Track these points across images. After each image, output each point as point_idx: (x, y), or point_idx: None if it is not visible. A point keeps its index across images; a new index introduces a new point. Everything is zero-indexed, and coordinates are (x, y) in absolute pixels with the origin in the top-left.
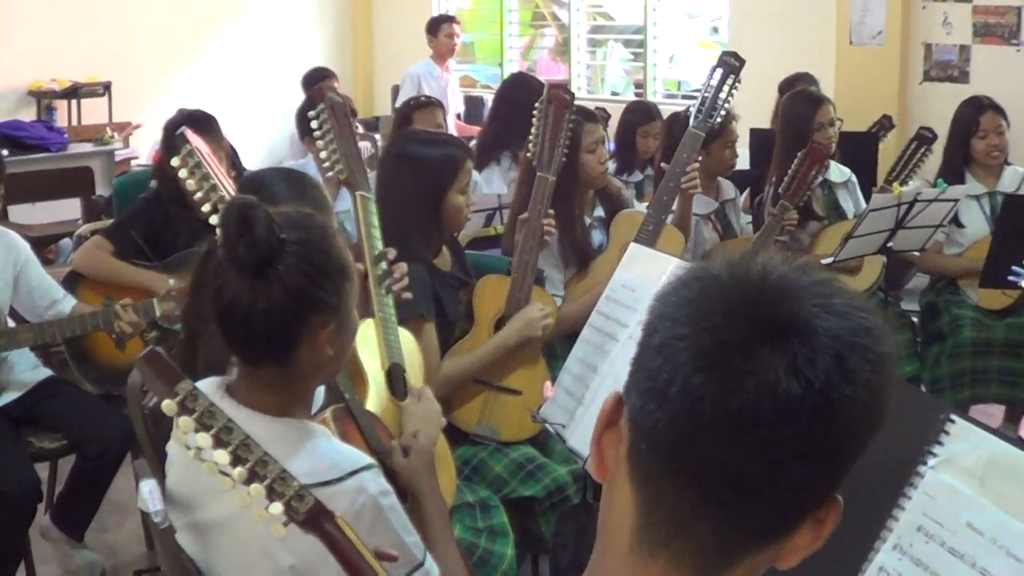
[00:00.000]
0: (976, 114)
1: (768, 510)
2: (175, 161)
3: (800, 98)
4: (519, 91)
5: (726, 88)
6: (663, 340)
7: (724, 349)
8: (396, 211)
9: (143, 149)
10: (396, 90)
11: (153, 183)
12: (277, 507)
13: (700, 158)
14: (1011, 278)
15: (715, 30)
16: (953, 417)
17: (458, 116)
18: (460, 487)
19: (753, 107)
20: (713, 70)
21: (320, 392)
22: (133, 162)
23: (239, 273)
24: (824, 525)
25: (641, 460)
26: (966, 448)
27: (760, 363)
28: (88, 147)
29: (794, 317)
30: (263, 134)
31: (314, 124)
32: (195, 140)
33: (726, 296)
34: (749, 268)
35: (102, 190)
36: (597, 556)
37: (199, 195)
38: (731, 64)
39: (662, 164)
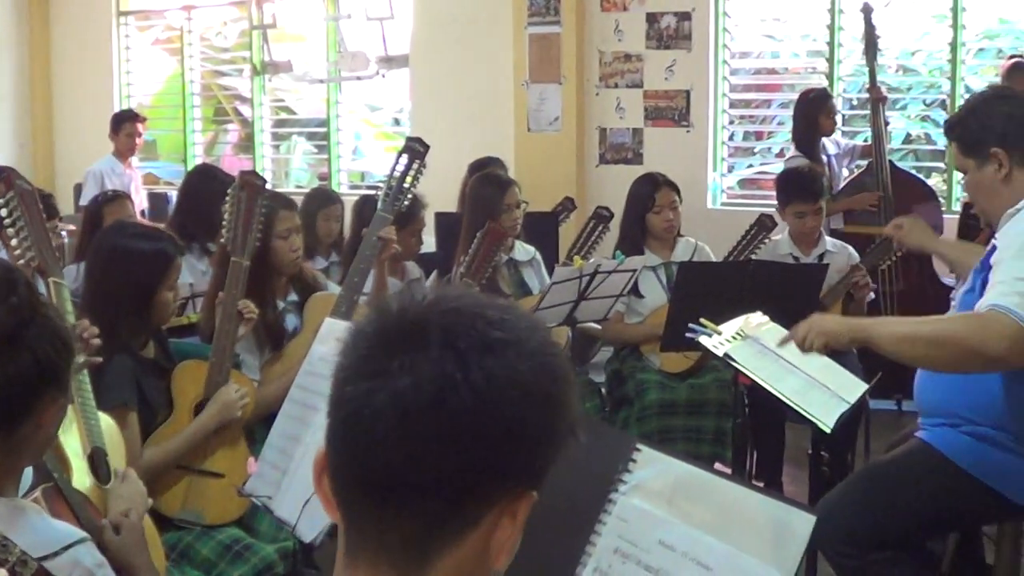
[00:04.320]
0: (652, 190)
1: (441, 503)
2: None
3: (488, 181)
4: (204, 182)
5: (412, 172)
6: (332, 371)
7: (360, 362)
8: (105, 303)
9: None
10: (79, 188)
11: None
12: (2, 574)
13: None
14: (688, 335)
15: (397, 122)
16: (639, 446)
17: (142, 213)
18: (169, 570)
19: (437, 192)
20: (399, 155)
21: (28, 472)
22: None
23: None
24: (517, 518)
25: (334, 483)
26: (653, 473)
27: (386, 367)
28: None
29: (417, 326)
30: None
31: (3, 212)
32: None
33: (372, 323)
34: (390, 302)
35: None
36: None
37: None
38: (416, 149)
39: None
